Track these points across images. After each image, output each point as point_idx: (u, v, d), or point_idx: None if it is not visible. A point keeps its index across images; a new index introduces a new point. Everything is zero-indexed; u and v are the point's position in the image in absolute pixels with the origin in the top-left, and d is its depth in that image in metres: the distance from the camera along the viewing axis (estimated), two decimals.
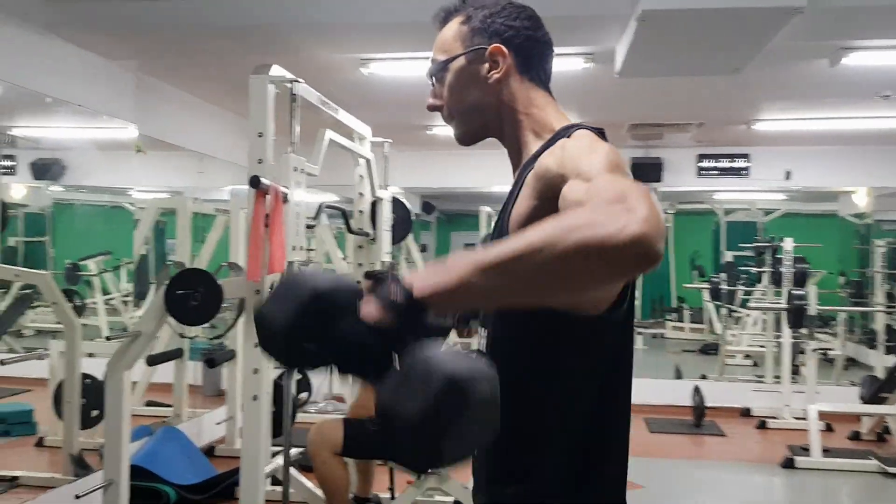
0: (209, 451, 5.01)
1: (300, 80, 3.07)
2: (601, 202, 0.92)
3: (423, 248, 12.53)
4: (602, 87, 4.76)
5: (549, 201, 1.11)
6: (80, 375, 4.26)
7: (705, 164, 7.16)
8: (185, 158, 5.39)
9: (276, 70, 3.02)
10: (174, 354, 4.86)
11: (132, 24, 3.63)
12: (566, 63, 4.16)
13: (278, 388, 3.27)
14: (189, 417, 5.17)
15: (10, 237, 7.74)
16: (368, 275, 3.82)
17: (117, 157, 4.44)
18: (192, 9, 3.57)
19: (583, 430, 1.20)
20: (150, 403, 5.80)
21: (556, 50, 4.25)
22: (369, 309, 0.89)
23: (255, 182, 2.74)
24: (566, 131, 1.25)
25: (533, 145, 1.30)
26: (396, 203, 4.30)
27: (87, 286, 7.88)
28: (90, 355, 4.47)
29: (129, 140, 4.26)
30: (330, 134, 3.37)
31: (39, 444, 4.95)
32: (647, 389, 6.91)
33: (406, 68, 4.33)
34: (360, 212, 4.14)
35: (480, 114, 1.33)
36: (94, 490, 3.02)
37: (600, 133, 1.25)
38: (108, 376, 3.03)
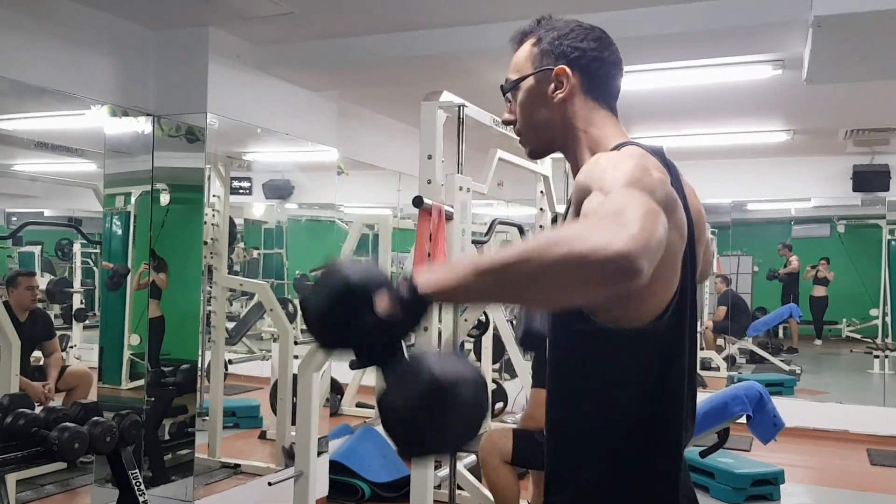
0: None
1: (467, 104, 3.24)
2: (598, 216, 0.99)
3: None
4: (809, 94, 4.48)
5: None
6: (293, 375, 4.72)
7: None
8: (385, 177, 5.82)
9: (446, 96, 3.22)
10: None
11: (333, 59, 4.01)
12: (753, 71, 3.99)
13: None
14: None
15: (254, 249, 8.74)
16: None
17: (330, 178, 4.89)
18: (384, 43, 3.87)
19: (627, 438, 1.24)
20: (359, 405, 6.28)
21: (742, 58, 4.07)
22: (381, 302, 0.98)
23: (418, 202, 2.95)
24: (616, 149, 1.28)
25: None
26: None
27: None
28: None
29: (331, 162, 4.67)
30: (500, 153, 3.51)
31: (262, 436, 5.54)
32: (873, 418, 6.33)
33: None
34: (541, 227, 4.24)
35: (547, 130, 1.40)
36: (286, 480, 3.38)
37: (656, 153, 1.27)
38: (299, 376, 3.38)
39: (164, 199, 3.98)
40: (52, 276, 7.36)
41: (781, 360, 8.97)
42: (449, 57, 3.83)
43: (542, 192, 4.20)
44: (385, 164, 5.50)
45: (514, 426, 4.03)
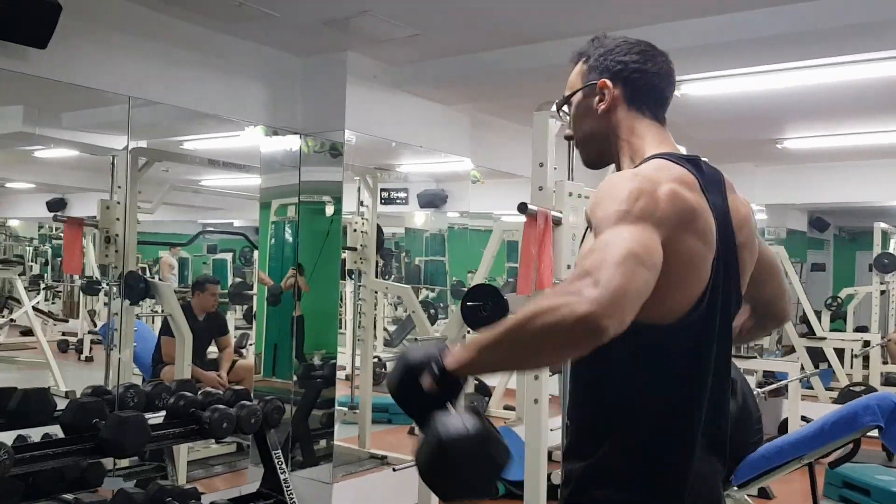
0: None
1: None
2: (572, 279, 1.14)
3: (821, 268, 11.47)
4: None
5: None
6: None
7: None
8: (522, 184, 5.93)
9: None
10: None
11: (461, 75, 4.23)
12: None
13: None
14: None
15: (416, 257, 9.14)
16: None
17: (463, 186, 5.11)
18: (507, 56, 4.05)
19: (645, 429, 1.31)
20: (506, 407, 6.45)
21: (886, 53, 3.89)
22: (425, 382, 1.25)
23: (522, 208, 3.08)
24: (646, 160, 1.38)
25: None
26: None
27: None
28: None
29: (465, 171, 4.90)
30: None
31: (412, 431, 5.84)
32: None
33: (720, 86, 4.30)
34: None
35: (595, 141, 1.50)
36: (407, 467, 3.62)
37: (689, 161, 1.35)
38: None
39: (329, 209, 4.37)
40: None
41: None
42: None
43: None
44: (521, 172, 5.63)
45: None
